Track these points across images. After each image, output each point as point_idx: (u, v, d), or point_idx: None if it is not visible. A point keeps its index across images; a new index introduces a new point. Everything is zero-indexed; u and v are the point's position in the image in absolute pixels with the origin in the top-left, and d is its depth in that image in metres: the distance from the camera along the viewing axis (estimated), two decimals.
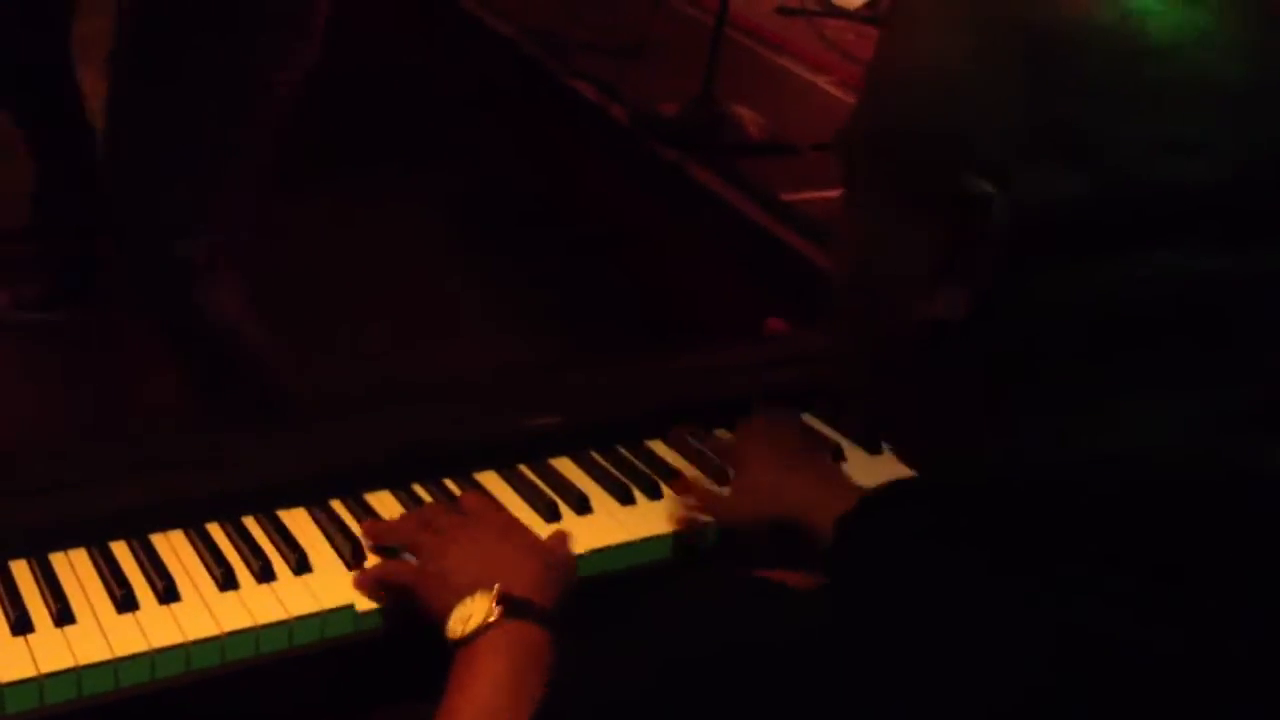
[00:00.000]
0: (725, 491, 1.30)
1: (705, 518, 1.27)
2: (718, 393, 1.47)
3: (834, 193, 2.74)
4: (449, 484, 1.28)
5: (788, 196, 2.60)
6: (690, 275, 2.66)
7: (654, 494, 1.32)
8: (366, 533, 1.19)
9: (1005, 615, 0.60)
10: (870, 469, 1.37)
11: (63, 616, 1.07)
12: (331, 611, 1.11)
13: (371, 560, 1.18)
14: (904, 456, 0.76)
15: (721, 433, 1.43)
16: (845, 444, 1.42)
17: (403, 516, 1.21)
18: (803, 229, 2.49)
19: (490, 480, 1.30)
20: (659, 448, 1.40)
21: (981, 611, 0.60)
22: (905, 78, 0.68)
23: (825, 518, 1.16)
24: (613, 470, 1.34)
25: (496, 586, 1.04)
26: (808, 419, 1.47)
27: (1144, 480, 0.62)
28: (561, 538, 1.21)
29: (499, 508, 1.22)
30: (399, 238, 3.05)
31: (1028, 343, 0.65)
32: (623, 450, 1.38)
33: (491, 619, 1.02)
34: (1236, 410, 0.62)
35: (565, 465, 1.34)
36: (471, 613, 1.03)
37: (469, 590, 1.04)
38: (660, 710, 0.62)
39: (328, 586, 1.14)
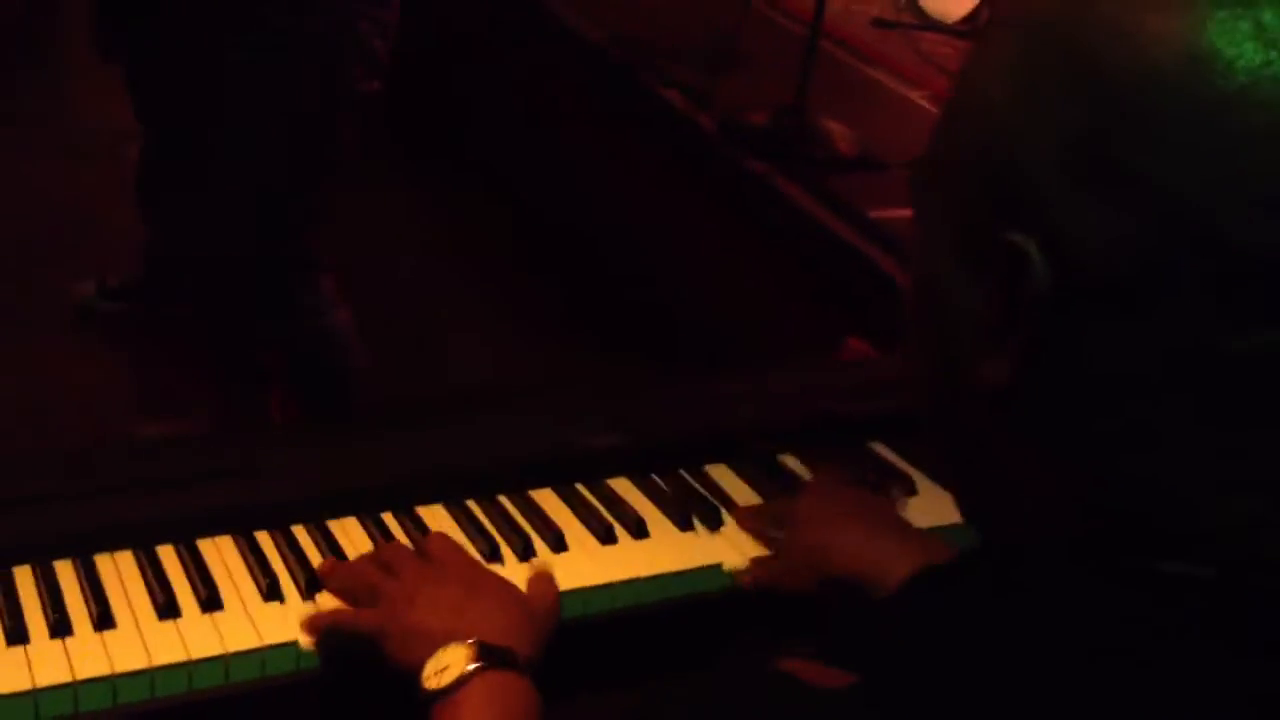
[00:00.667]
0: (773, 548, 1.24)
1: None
2: (785, 416, 1.41)
3: None
4: (503, 500, 1.24)
5: (876, 214, 2.55)
6: (772, 291, 2.61)
7: (714, 523, 1.27)
8: (323, 573, 1.12)
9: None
10: (945, 503, 1.31)
11: (103, 620, 1.05)
12: None
13: (327, 600, 1.11)
14: (965, 515, 0.69)
15: (789, 459, 1.38)
16: (918, 476, 1.36)
17: (362, 557, 1.14)
18: (890, 247, 2.44)
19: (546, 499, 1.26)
20: (720, 473, 1.34)
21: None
22: (966, 114, 0.63)
23: (878, 575, 1.11)
24: (670, 493, 1.30)
25: (474, 636, 0.98)
26: (879, 448, 1.41)
27: None
28: (542, 579, 1.13)
29: (463, 552, 1.13)
30: (471, 244, 3.03)
31: (1092, 408, 0.58)
32: (684, 474, 1.33)
33: (469, 669, 0.96)
34: None
35: (624, 486, 1.30)
36: (448, 664, 0.97)
37: (442, 640, 0.98)
38: None
39: None
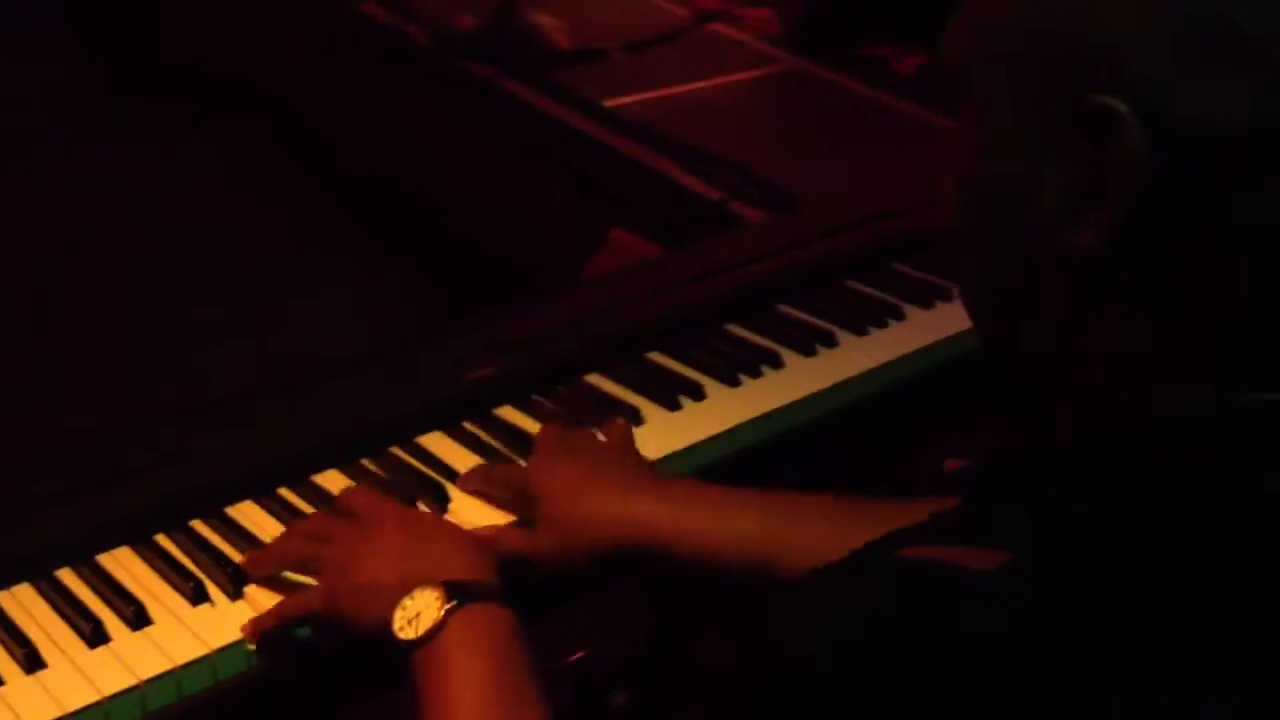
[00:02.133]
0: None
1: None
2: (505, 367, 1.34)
3: (655, 93, 2.70)
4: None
5: (610, 103, 2.55)
6: (528, 199, 2.59)
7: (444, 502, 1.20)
8: (249, 565, 1.06)
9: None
10: (672, 429, 1.27)
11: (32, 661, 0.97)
12: None
13: (257, 593, 1.05)
14: (1037, 410, 0.70)
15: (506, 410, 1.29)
16: (643, 404, 1.30)
17: (282, 536, 1.08)
18: (632, 132, 2.45)
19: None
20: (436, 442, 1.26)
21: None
22: None
23: (651, 535, 1.06)
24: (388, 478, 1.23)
25: (436, 577, 0.95)
26: (596, 380, 1.33)
27: None
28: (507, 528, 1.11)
29: (388, 499, 1.08)
30: (189, 196, 2.86)
31: (1207, 274, 0.60)
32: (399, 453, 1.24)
33: (444, 611, 0.93)
34: None
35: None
36: (419, 611, 0.93)
37: (401, 591, 0.94)
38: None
39: None
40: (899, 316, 1.43)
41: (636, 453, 1.18)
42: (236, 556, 1.08)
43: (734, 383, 1.32)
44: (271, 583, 1.04)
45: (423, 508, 1.15)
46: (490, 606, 0.94)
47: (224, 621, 1.01)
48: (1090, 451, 0.63)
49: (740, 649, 0.65)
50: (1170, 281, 0.61)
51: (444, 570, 0.95)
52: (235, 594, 1.05)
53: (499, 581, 0.98)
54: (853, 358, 1.37)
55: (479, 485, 1.17)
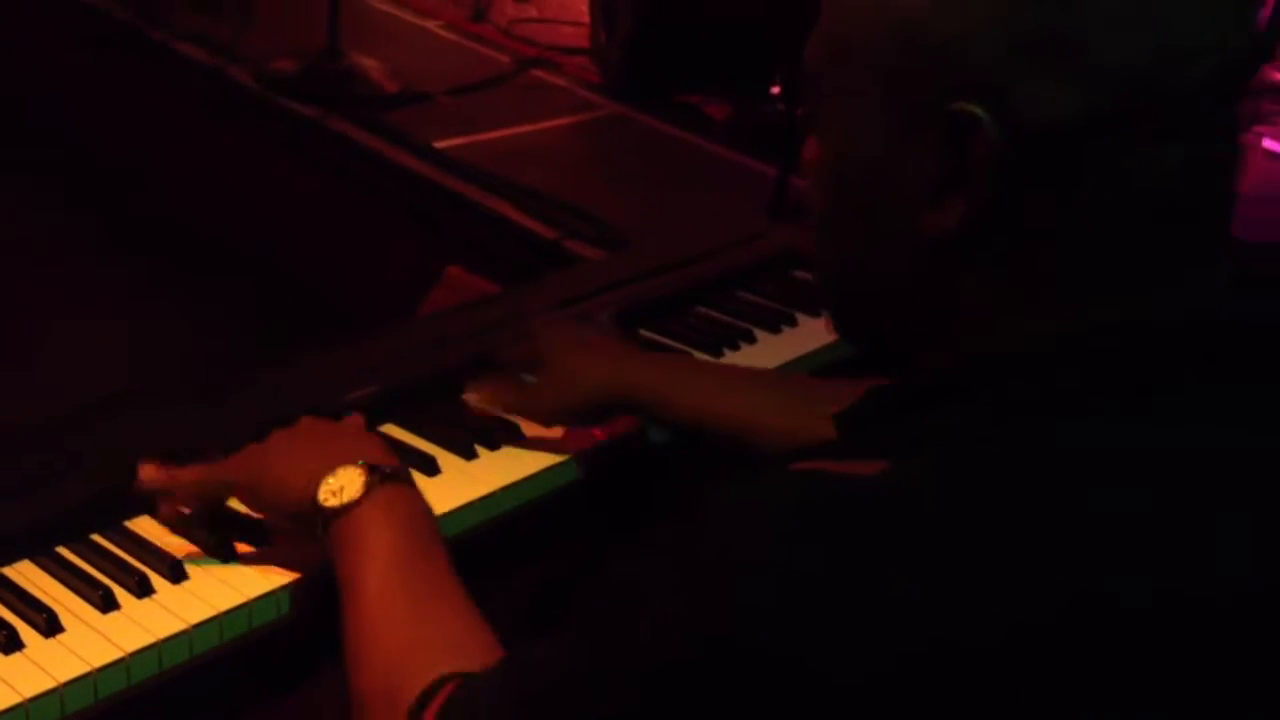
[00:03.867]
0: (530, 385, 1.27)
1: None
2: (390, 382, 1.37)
3: (481, 136, 2.76)
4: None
5: (437, 144, 2.61)
6: (362, 237, 2.62)
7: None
8: (165, 510, 1.13)
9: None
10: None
11: None
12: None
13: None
14: (897, 363, 0.80)
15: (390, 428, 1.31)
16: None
17: (194, 468, 1.12)
18: (461, 173, 2.52)
19: None
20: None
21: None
22: (881, 2, 0.71)
23: (672, 395, 1.19)
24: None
25: (361, 458, 1.02)
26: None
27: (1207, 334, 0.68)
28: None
29: (307, 418, 1.14)
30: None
31: (1056, 235, 0.70)
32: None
33: (366, 484, 1.00)
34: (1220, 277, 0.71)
35: None
36: (342, 485, 1.00)
37: (325, 469, 1.01)
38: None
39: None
40: (750, 339, 1.52)
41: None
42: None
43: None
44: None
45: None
46: (405, 487, 1.02)
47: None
48: (951, 383, 0.73)
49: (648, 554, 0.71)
50: (1015, 248, 0.70)
51: (363, 454, 1.02)
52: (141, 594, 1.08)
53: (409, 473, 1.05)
54: None
55: (489, 396, 1.26)
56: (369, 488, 1.00)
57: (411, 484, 1.04)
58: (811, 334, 1.54)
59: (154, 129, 2.98)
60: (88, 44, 3.12)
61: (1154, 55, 0.66)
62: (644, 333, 1.50)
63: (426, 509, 1.03)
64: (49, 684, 0.98)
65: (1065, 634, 0.62)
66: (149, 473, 1.11)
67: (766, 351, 1.51)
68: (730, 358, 1.49)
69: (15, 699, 0.97)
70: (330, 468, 1.02)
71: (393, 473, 1.02)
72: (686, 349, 1.48)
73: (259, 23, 2.99)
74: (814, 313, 1.56)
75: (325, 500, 1.00)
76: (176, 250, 2.71)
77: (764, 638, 0.63)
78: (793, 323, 1.57)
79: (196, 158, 2.90)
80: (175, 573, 1.10)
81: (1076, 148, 0.68)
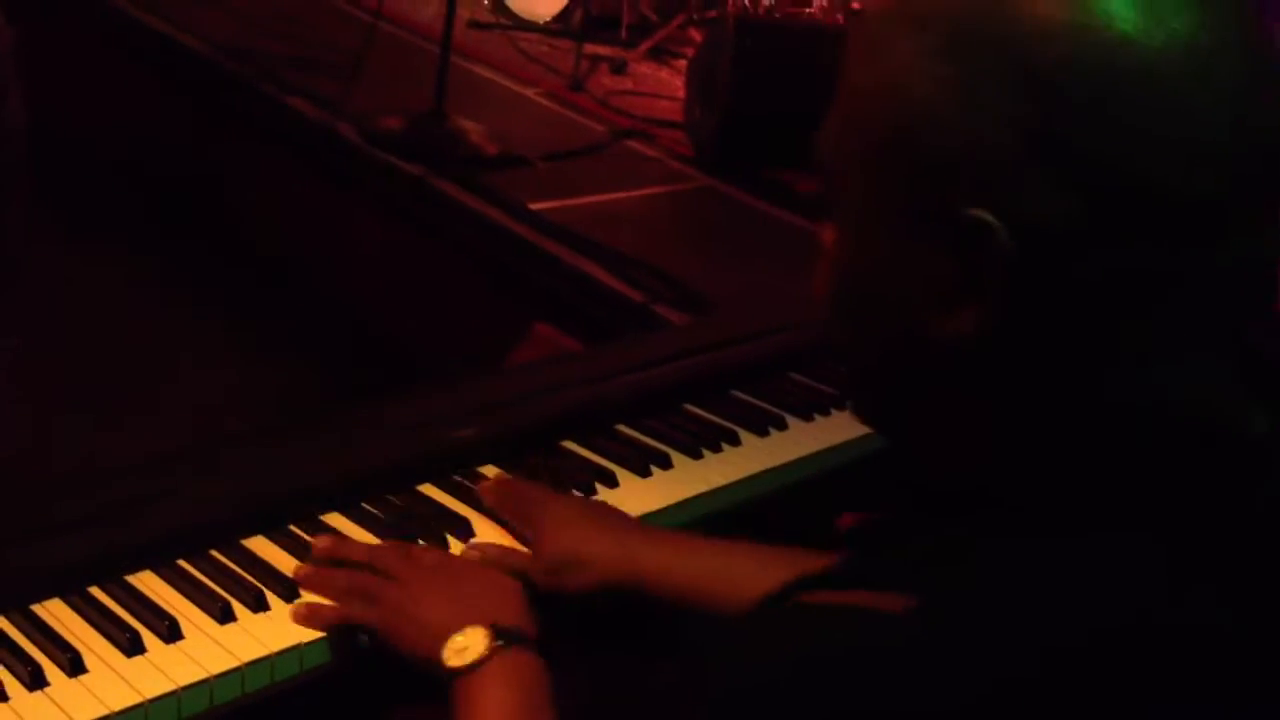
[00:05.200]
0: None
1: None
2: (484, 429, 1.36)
3: (575, 200, 2.84)
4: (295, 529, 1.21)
5: (533, 205, 2.69)
6: (456, 290, 2.69)
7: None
8: (305, 579, 1.12)
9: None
10: (645, 492, 1.30)
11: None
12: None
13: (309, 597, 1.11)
14: (920, 468, 0.78)
15: (488, 469, 1.32)
16: (617, 470, 1.33)
17: (346, 568, 1.13)
18: (553, 234, 2.59)
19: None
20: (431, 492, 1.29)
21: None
22: (890, 105, 0.69)
23: (641, 579, 1.13)
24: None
25: (491, 619, 1.04)
26: (570, 445, 1.37)
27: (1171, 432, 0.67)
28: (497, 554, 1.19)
29: (452, 556, 1.18)
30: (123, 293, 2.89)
31: (1057, 338, 0.68)
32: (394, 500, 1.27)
33: (489, 648, 1.03)
34: (1227, 370, 0.69)
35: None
36: (467, 644, 1.03)
37: (455, 627, 1.04)
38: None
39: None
40: (841, 405, 1.54)
41: (622, 513, 1.28)
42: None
43: (646, 473, 1.41)
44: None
45: None
46: (528, 652, 1.04)
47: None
48: (959, 502, 0.71)
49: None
50: (1022, 355, 0.68)
51: (495, 616, 1.05)
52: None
53: (537, 633, 1.07)
54: (752, 455, 1.47)
55: (498, 494, 1.25)
56: (492, 653, 1.03)
57: (535, 649, 1.05)
58: None
59: (261, 183, 3.09)
60: (192, 93, 3.23)
61: (1167, 161, 0.65)
62: (735, 393, 1.54)
63: (545, 674, 1.04)
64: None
65: None
66: (300, 615, 1.10)
67: (852, 420, 1.54)
68: (820, 423, 1.52)
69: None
70: (460, 626, 1.04)
71: (519, 637, 1.04)
72: (780, 412, 1.52)
73: (367, 82, 3.10)
74: None
75: (449, 660, 1.03)
76: (274, 301, 2.80)
77: None
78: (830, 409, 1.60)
79: (299, 209, 2.99)
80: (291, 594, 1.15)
81: (1079, 253, 0.66)
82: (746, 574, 1.11)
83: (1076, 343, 0.68)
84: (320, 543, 1.16)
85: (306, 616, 1.10)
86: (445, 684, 1.03)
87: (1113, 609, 0.64)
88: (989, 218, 0.65)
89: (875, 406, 0.79)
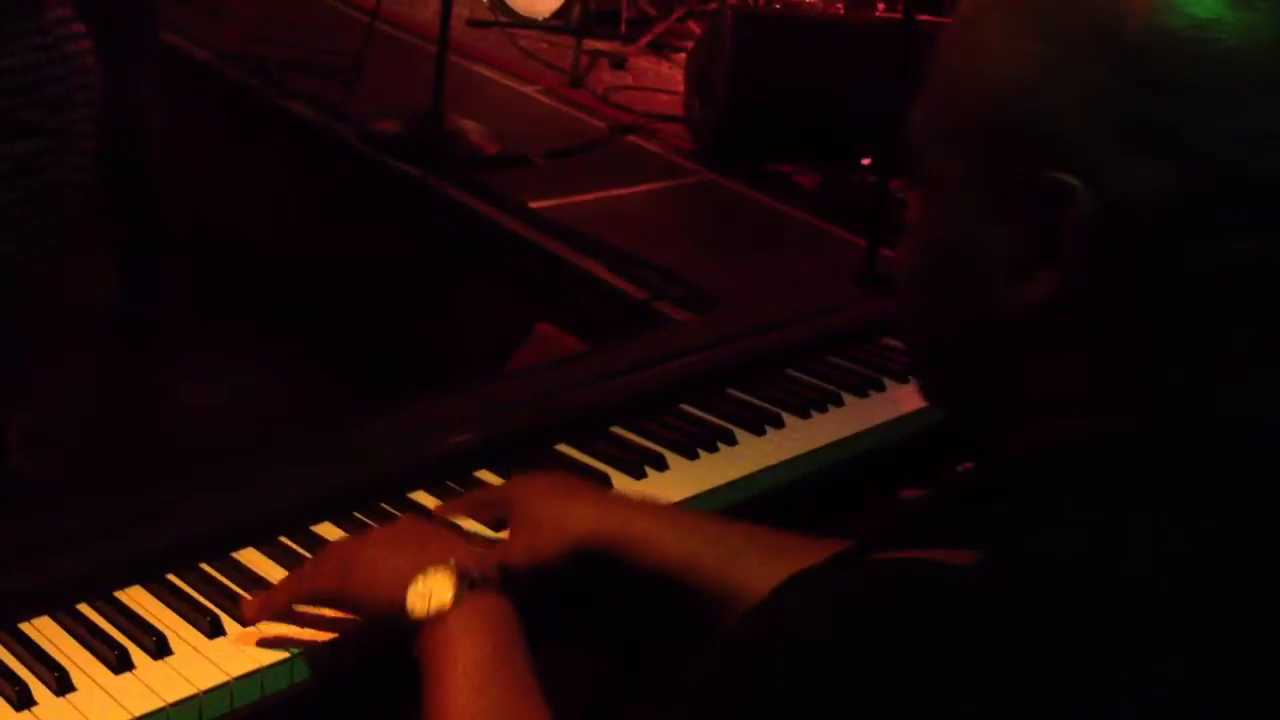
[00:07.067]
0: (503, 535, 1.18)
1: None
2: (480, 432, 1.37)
3: (576, 198, 2.82)
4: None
5: (534, 204, 2.68)
6: (458, 290, 2.68)
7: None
8: (252, 610, 1.08)
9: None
10: (641, 493, 1.27)
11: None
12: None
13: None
14: (986, 439, 0.79)
15: (484, 474, 1.32)
16: (611, 472, 1.33)
17: (281, 583, 1.10)
18: (556, 233, 2.58)
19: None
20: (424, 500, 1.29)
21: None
22: (982, 82, 0.73)
23: (624, 539, 1.11)
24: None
25: (452, 561, 1.00)
26: (565, 449, 1.37)
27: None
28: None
29: (396, 521, 1.17)
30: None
31: (1136, 320, 0.71)
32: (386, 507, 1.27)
33: (457, 591, 0.99)
34: None
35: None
36: (431, 589, 0.99)
37: (414, 570, 1.00)
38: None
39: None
40: (838, 403, 1.53)
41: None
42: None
43: (640, 474, 1.40)
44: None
45: None
46: (495, 596, 1.01)
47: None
48: (1033, 472, 0.72)
49: (712, 663, 0.71)
50: (1093, 330, 0.71)
51: (452, 556, 1.01)
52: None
53: (499, 580, 1.03)
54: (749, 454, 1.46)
55: (461, 505, 1.25)
56: (460, 595, 1.00)
57: (499, 589, 1.02)
58: (898, 400, 1.56)
59: (258, 186, 3.09)
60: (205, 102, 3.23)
61: (1249, 142, 0.68)
62: (732, 392, 1.53)
63: (516, 620, 1.02)
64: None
65: None
66: (251, 611, 1.09)
67: (853, 416, 1.52)
68: (817, 420, 1.51)
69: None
70: (420, 568, 1.01)
71: (485, 580, 1.01)
72: (776, 410, 1.50)
73: (366, 84, 3.09)
74: (902, 379, 1.58)
75: (414, 605, 1.00)
76: (270, 304, 2.80)
77: None
78: (880, 388, 1.59)
79: (299, 209, 2.99)
80: None
81: (1164, 230, 0.69)
82: (743, 552, 1.10)
83: (1137, 328, 0.71)
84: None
85: (260, 607, 1.07)
86: (411, 633, 0.99)
87: (1144, 583, 0.66)
88: (1073, 180, 0.68)
89: (946, 384, 0.81)
